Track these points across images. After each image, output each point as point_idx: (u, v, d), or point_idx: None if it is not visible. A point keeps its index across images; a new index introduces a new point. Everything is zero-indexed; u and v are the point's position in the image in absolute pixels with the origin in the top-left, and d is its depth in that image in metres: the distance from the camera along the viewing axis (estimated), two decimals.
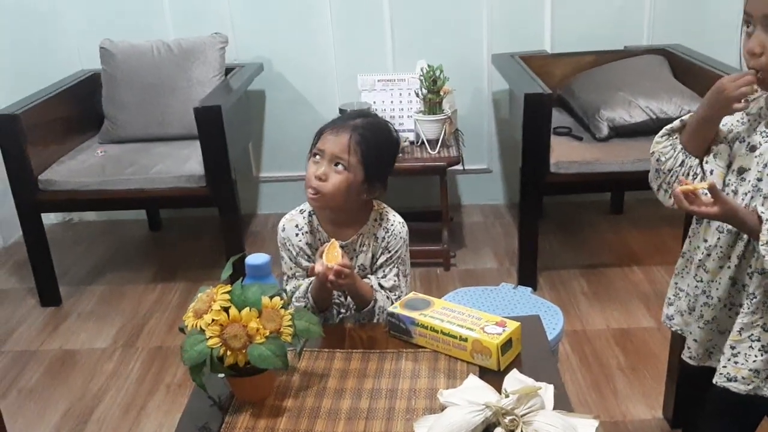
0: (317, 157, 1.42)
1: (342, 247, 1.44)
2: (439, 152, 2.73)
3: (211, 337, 1.09)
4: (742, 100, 1.22)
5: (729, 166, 1.32)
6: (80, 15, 3.12)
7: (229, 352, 1.09)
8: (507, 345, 1.24)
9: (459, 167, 2.77)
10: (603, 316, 2.43)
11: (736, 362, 1.31)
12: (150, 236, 3.35)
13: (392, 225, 1.50)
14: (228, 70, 2.97)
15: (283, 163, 3.28)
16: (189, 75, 2.85)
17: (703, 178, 1.31)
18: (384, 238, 1.49)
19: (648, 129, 2.57)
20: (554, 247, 2.93)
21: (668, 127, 1.36)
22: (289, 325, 1.12)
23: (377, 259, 1.50)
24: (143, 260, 3.10)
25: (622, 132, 2.59)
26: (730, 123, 1.32)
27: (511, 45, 3.08)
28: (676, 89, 2.66)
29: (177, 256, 3.08)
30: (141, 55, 2.88)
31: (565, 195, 3.10)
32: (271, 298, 1.13)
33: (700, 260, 1.38)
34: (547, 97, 2.37)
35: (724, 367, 1.33)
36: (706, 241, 1.36)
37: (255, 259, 1.21)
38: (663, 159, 1.35)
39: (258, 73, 3.06)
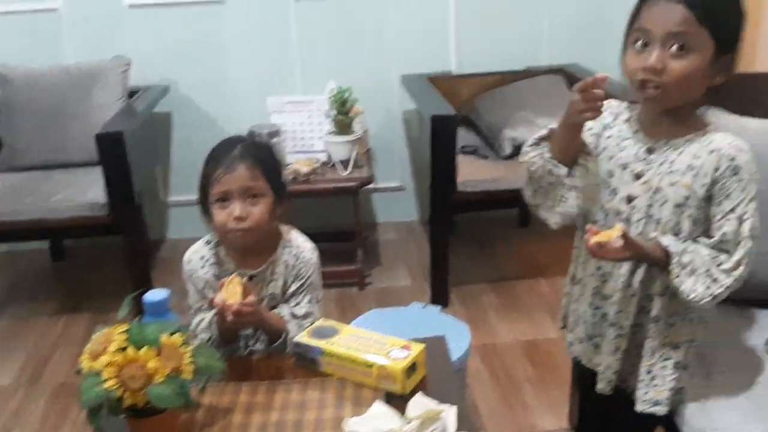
0: (224, 201, 1.38)
1: (252, 276, 1.44)
2: (350, 173, 2.75)
3: (108, 379, 1.06)
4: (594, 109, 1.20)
5: (611, 187, 1.31)
6: None
7: (127, 394, 1.06)
8: (412, 368, 1.26)
9: (371, 186, 2.80)
10: (511, 329, 2.51)
11: (655, 385, 1.33)
12: (53, 266, 3.21)
13: (302, 252, 1.49)
14: (132, 93, 2.90)
15: (193, 187, 3.16)
16: (90, 99, 2.76)
17: (573, 189, 1.30)
18: (294, 265, 1.48)
19: None
20: (465, 263, 3.00)
21: (536, 136, 1.35)
22: (190, 363, 1.10)
23: (289, 287, 1.49)
24: (46, 292, 2.97)
25: None
26: (606, 143, 1.32)
27: (419, 66, 3.15)
28: None
29: (82, 287, 2.96)
30: (39, 79, 2.78)
31: (473, 212, 3.18)
32: (170, 335, 1.11)
33: (595, 287, 1.38)
34: (453, 118, 2.44)
35: (646, 393, 1.34)
36: (599, 268, 1.37)
37: (153, 295, 1.19)
38: (532, 169, 1.34)
39: (163, 95, 3.01)
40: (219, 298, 1.32)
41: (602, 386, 1.41)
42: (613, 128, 1.33)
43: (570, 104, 1.23)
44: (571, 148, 1.29)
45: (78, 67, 2.82)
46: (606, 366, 1.39)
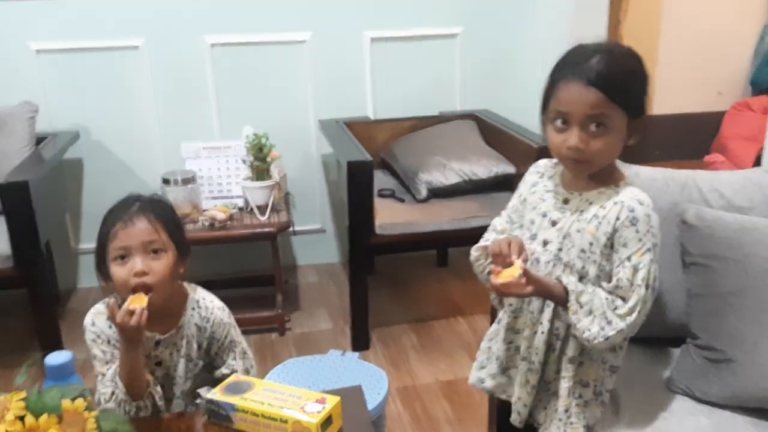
0: (123, 258, 1.34)
1: (159, 342, 1.41)
2: (269, 218, 2.74)
3: None
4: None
5: (527, 230, 1.44)
6: None
7: None
8: (327, 422, 1.26)
9: (291, 229, 2.80)
10: (431, 370, 2.54)
11: (571, 423, 1.41)
12: None
13: (212, 313, 1.46)
14: (40, 140, 2.81)
15: None
16: None
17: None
18: (206, 328, 1.46)
19: (462, 189, 2.77)
20: (386, 304, 3.03)
21: (480, 245, 1.51)
22: (94, 429, 1.07)
23: (209, 350, 1.46)
24: None
25: (439, 193, 2.76)
26: (530, 197, 1.46)
27: (336, 111, 3.20)
28: (484, 151, 2.90)
29: None
30: None
31: (391, 254, 3.22)
32: (73, 400, 1.07)
33: (508, 323, 1.48)
34: (369, 164, 2.48)
35: (564, 431, 1.41)
36: (511, 304, 1.48)
37: (54, 358, 1.15)
38: (476, 264, 1.51)
39: (73, 141, 2.93)
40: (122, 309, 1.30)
41: (514, 417, 1.50)
42: (538, 185, 1.46)
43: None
44: None
45: None
46: (518, 397, 1.48)
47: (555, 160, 1.45)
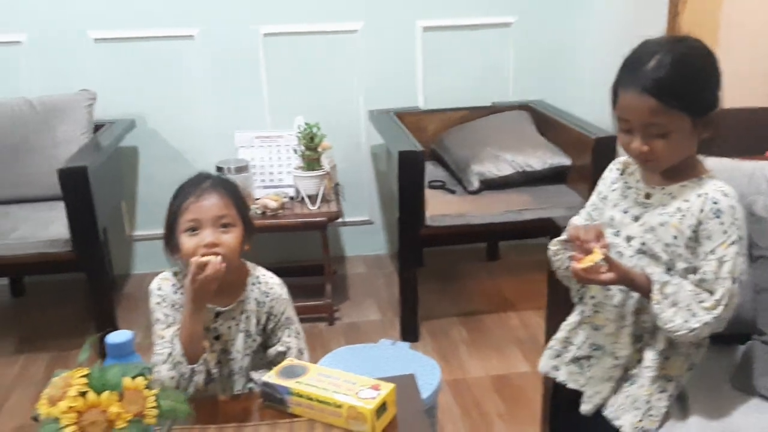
0: (194, 230, 1.37)
1: (221, 313, 1.43)
2: (319, 207, 2.74)
3: (67, 426, 1.02)
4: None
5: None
6: None
7: None
8: (381, 409, 1.24)
9: (340, 220, 2.80)
10: (482, 364, 2.50)
11: (650, 415, 1.36)
12: (12, 303, 3.12)
13: (271, 288, 1.49)
14: (98, 127, 2.86)
15: (158, 221, 3.14)
16: (53, 133, 2.72)
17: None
18: (265, 303, 1.48)
19: (515, 181, 2.72)
20: (435, 296, 3.00)
21: (560, 239, 1.45)
22: (153, 407, 1.07)
23: (265, 327, 1.48)
24: (4, 329, 2.87)
25: (491, 185, 2.72)
26: (610, 195, 1.44)
27: (387, 101, 3.18)
28: (539, 143, 2.84)
29: (42, 324, 2.88)
30: (0, 113, 2.72)
31: (441, 246, 3.18)
32: (133, 378, 1.08)
33: (588, 317, 1.45)
34: (420, 154, 2.45)
35: (640, 420, 1.36)
36: (593, 297, 1.43)
37: (116, 337, 1.15)
38: (554, 258, 1.47)
39: (129, 129, 2.98)
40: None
41: (587, 408, 1.45)
42: (618, 182, 1.45)
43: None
44: None
45: (41, 100, 2.78)
46: (596, 392, 1.44)
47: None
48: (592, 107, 3.22)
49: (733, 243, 1.28)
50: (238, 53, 3.10)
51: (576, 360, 1.49)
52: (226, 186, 1.44)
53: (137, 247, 3.29)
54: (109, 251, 3.12)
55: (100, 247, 2.45)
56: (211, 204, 1.38)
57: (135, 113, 3.08)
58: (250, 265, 1.51)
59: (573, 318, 1.51)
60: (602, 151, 2.43)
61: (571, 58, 3.28)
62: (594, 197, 1.49)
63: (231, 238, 1.38)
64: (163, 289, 1.46)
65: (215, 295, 1.39)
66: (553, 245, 1.47)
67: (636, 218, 1.37)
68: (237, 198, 1.43)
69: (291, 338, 1.49)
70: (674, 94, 1.24)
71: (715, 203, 1.28)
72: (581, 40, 3.25)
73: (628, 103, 1.28)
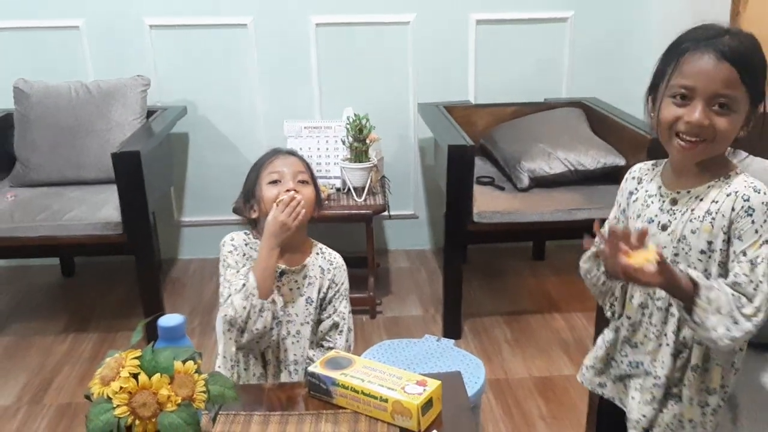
0: (276, 182, 1.50)
1: (287, 272, 1.52)
2: (365, 200, 2.73)
3: (118, 406, 1.03)
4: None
5: None
6: None
7: (137, 421, 1.03)
8: (427, 405, 1.22)
9: (385, 214, 2.78)
10: (525, 365, 2.46)
11: None
12: (63, 283, 3.19)
13: (335, 258, 1.60)
14: (150, 113, 2.90)
15: (206, 207, 3.22)
16: (108, 117, 2.76)
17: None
18: (329, 270, 1.57)
19: (566, 180, 2.67)
20: (478, 294, 2.96)
21: (591, 252, 1.34)
22: (202, 391, 1.07)
23: (325, 294, 1.56)
24: (54, 308, 2.95)
25: (542, 183, 2.66)
26: (631, 206, 1.34)
27: (436, 94, 3.15)
28: (592, 141, 2.77)
29: (91, 304, 2.94)
30: (57, 96, 2.79)
31: (488, 243, 3.15)
32: (184, 362, 1.08)
33: (625, 336, 1.37)
34: (470, 149, 2.42)
35: None
36: (629, 318, 1.36)
37: (168, 320, 1.16)
38: (588, 276, 1.38)
39: (181, 116, 3.01)
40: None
41: (633, 427, 1.37)
42: (638, 192, 1.35)
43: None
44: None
45: (98, 84, 2.83)
46: (642, 415, 1.35)
47: (652, 163, 1.35)
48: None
49: (765, 242, 1.18)
50: (289, 43, 3.10)
51: (620, 378, 1.41)
52: (301, 155, 1.61)
53: (184, 232, 3.34)
54: (157, 235, 3.16)
55: (149, 231, 2.48)
56: (292, 161, 1.54)
57: (187, 100, 3.11)
58: (312, 240, 1.61)
59: (609, 335, 1.43)
60: (658, 152, 2.35)
61: (627, 55, 3.19)
62: (614, 211, 1.40)
63: (308, 191, 1.51)
64: (236, 240, 1.56)
65: (282, 254, 1.49)
66: (584, 262, 1.37)
67: (664, 227, 1.27)
68: (309, 166, 1.59)
69: (346, 311, 1.58)
70: (750, 69, 1.16)
71: (746, 200, 1.18)
72: (639, 37, 3.16)
73: (700, 68, 1.16)
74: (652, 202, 1.30)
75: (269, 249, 1.47)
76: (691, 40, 1.19)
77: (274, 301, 1.49)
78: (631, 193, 1.35)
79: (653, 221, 1.29)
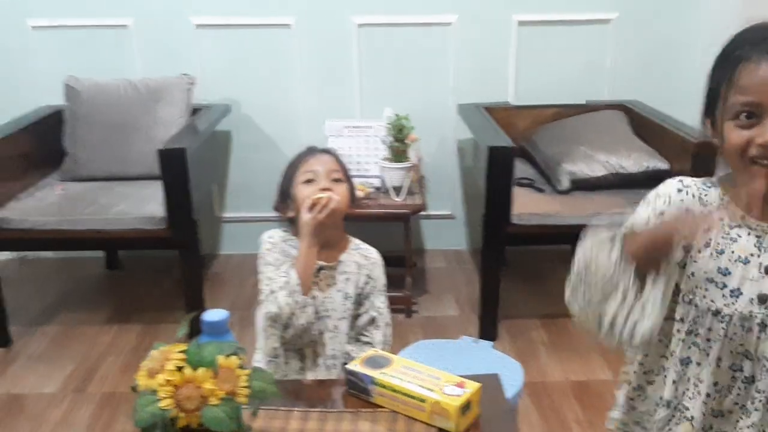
0: (310, 182, 1.51)
1: (323, 268, 1.54)
2: (403, 199, 2.74)
3: (163, 398, 1.06)
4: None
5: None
6: (48, 52, 3.10)
7: (182, 414, 1.05)
8: (466, 407, 1.23)
9: (423, 213, 2.79)
10: (562, 368, 2.45)
11: None
12: (107, 275, 3.28)
13: (372, 254, 1.61)
14: (195, 111, 2.96)
15: (247, 204, 3.27)
16: (154, 115, 2.83)
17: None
18: (365, 265, 1.58)
19: (608, 183, 2.64)
20: (515, 296, 2.95)
21: (611, 235, 1.08)
22: (244, 386, 1.09)
23: (362, 289, 1.57)
24: (99, 300, 3.03)
25: (582, 185, 2.64)
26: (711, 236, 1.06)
27: (477, 95, 3.14)
28: (634, 144, 2.74)
29: (134, 297, 3.02)
30: (106, 93, 2.86)
31: (526, 245, 3.13)
32: (227, 357, 1.11)
33: (711, 410, 1.11)
34: (511, 150, 2.41)
35: None
36: (715, 384, 1.09)
37: (212, 315, 1.18)
38: (593, 269, 1.10)
39: (225, 114, 3.06)
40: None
41: None
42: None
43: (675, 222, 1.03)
44: (658, 262, 1.03)
45: (145, 82, 2.90)
46: None
47: (702, 181, 1.12)
48: (692, 110, 3.08)
49: None
50: (332, 43, 3.13)
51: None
52: (335, 153, 1.63)
53: (225, 228, 3.40)
54: (199, 231, 3.22)
55: (193, 227, 2.53)
56: (325, 160, 1.56)
57: (230, 98, 3.17)
58: (349, 236, 1.62)
59: (659, 391, 1.17)
60: (703, 157, 2.31)
61: (671, 57, 3.14)
62: (646, 212, 1.13)
63: (342, 189, 1.53)
64: (274, 238, 1.58)
65: (321, 251, 1.51)
66: (593, 246, 1.10)
67: (767, 270, 1.05)
68: (343, 164, 1.60)
69: (383, 306, 1.58)
70: None
71: None
72: (683, 39, 3.10)
73: (762, 78, 0.97)
74: (739, 236, 1.06)
75: (308, 247, 1.49)
76: (742, 48, 1.01)
77: (314, 297, 1.51)
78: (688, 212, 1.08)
79: (749, 262, 1.05)
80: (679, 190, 1.12)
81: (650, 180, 2.62)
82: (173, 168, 2.41)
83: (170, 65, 3.04)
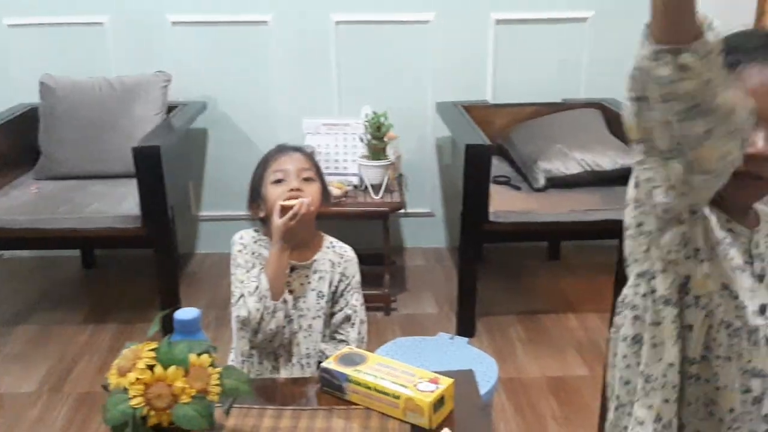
0: (280, 181, 1.49)
1: (298, 268, 1.53)
2: (382, 197, 2.75)
3: (134, 397, 1.05)
4: None
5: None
6: (23, 50, 3.07)
7: (152, 412, 1.05)
8: (439, 402, 1.24)
9: (402, 211, 2.80)
10: (538, 364, 2.46)
11: None
12: (83, 274, 3.25)
13: (346, 251, 1.60)
14: (171, 108, 2.94)
15: (223, 202, 3.25)
16: (130, 112, 2.81)
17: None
18: (339, 263, 1.57)
19: (583, 181, 2.66)
20: (493, 293, 2.96)
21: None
22: (216, 384, 1.09)
23: (337, 288, 1.57)
24: (75, 299, 3.00)
25: (558, 183, 2.66)
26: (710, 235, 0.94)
27: (455, 94, 3.15)
28: (610, 142, 2.77)
29: (110, 296, 2.99)
30: (82, 91, 2.83)
31: (503, 243, 3.15)
32: (199, 355, 1.10)
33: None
34: (488, 148, 2.43)
35: None
36: (731, 411, 0.96)
37: (184, 314, 1.18)
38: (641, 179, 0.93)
39: (201, 111, 3.05)
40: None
41: None
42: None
43: None
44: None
45: (120, 80, 2.87)
46: None
47: None
48: None
49: None
50: (310, 40, 3.13)
51: None
52: (305, 151, 1.59)
53: (201, 226, 3.38)
54: (174, 230, 3.20)
55: (168, 225, 2.52)
56: (295, 158, 1.53)
57: (207, 96, 3.15)
58: (323, 233, 1.62)
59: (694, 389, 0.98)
60: None
61: None
62: None
63: (313, 188, 1.51)
64: (245, 239, 1.56)
65: (291, 252, 1.50)
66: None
67: (761, 278, 0.98)
68: (315, 161, 1.58)
69: (358, 303, 1.58)
70: None
71: None
72: None
73: (764, 83, 0.89)
74: (729, 242, 0.96)
75: (278, 252, 1.48)
76: (734, 54, 0.89)
77: (285, 301, 1.51)
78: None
79: (744, 271, 0.96)
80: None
81: (625, 177, 2.66)
82: (148, 166, 2.39)
83: (146, 63, 3.01)
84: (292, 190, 1.47)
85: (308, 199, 1.46)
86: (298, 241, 1.50)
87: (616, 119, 2.94)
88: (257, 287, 1.46)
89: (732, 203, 0.98)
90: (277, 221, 1.45)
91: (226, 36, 3.10)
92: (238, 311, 1.48)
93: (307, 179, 1.51)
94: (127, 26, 3.07)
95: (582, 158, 2.66)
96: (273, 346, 1.54)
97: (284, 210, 1.45)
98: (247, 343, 1.53)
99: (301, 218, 1.45)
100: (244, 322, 1.48)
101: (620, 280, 1.40)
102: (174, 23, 3.07)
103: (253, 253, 1.54)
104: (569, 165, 2.66)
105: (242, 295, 1.48)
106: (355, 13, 3.09)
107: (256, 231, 1.58)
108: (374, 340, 2.49)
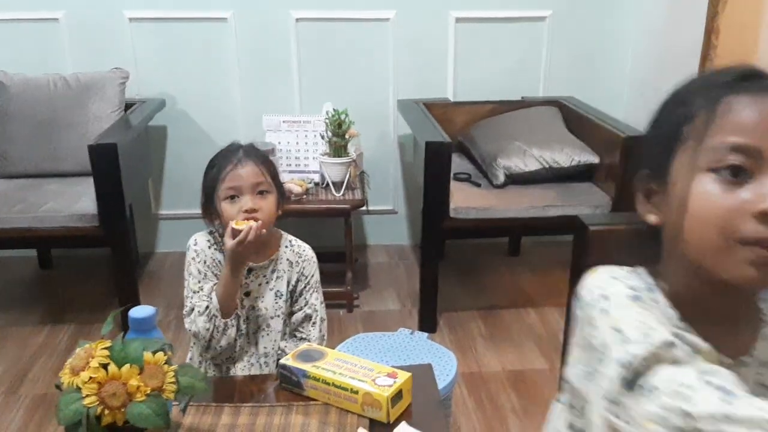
0: (233, 199, 1.46)
1: (252, 269, 1.52)
2: (343, 195, 2.75)
3: (87, 396, 1.04)
4: None
5: None
6: None
7: (107, 411, 1.04)
8: (397, 397, 1.25)
9: (364, 208, 2.81)
10: (498, 358, 2.50)
11: None
12: (40, 275, 3.18)
13: (304, 251, 1.58)
14: (129, 106, 2.90)
15: (184, 201, 3.22)
16: (86, 110, 2.76)
17: None
18: (298, 263, 1.56)
19: (541, 177, 2.71)
20: (454, 289, 2.99)
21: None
22: (172, 382, 1.09)
23: (295, 288, 1.56)
24: (31, 300, 2.94)
25: (517, 180, 2.70)
26: None
27: (416, 91, 3.17)
28: (567, 139, 2.81)
29: (67, 297, 2.93)
30: (36, 88, 2.77)
31: (464, 239, 3.18)
32: (154, 353, 1.10)
33: None
34: (447, 145, 2.45)
35: None
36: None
37: (139, 311, 1.17)
38: None
39: (159, 108, 3.01)
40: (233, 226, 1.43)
41: None
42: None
43: None
44: None
45: (76, 77, 2.82)
46: None
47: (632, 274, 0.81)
48: (623, 106, 3.20)
49: None
50: (270, 37, 3.11)
51: None
52: (258, 155, 1.51)
53: (162, 225, 3.34)
54: (134, 229, 3.16)
55: (125, 224, 2.49)
56: (248, 172, 1.45)
57: (166, 93, 3.11)
58: (282, 231, 1.60)
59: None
60: (631, 150, 2.40)
61: (604, 55, 3.24)
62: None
63: (268, 203, 1.47)
64: (199, 245, 1.53)
65: (252, 254, 1.48)
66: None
67: None
68: (269, 166, 1.52)
69: (317, 302, 1.57)
70: None
71: None
72: (616, 37, 3.20)
73: (763, 117, 0.69)
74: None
75: (231, 274, 1.45)
76: (724, 85, 0.73)
77: (237, 316, 1.50)
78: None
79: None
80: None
81: (582, 174, 2.74)
82: (104, 164, 2.35)
83: (103, 60, 2.96)
84: (246, 211, 1.44)
85: (258, 223, 1.42)
86: (249, 259, 1.48)
87: (572, 116, 2.99)
88: (207, 307, 1.45)
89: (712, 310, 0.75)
90: (229, 243, 1.42)
91: (185, 33, 3.07)
92: (189, 325, 1.48)
93: (261, 192, 1.47)
94: (83, 22, 3.01)
95: (540, 155, 2.70)
96: (226, 356, 1.55)
97: (235, 233, 1.42)
98: (201, 353, 1.53)
99: (248, 244, 1.41)
100: (195, 336, 1.48)
101: (576, 275, 1.44)
102: (131, 19, 3.03)
103: (205, 262, 1.52)
104: (528, 162, 2.70)
105: (192, 309, 1.47)
106: (316, 11, 3.09)
107: (210, 233, 1.55)
108: (336, 337, 2.50)
